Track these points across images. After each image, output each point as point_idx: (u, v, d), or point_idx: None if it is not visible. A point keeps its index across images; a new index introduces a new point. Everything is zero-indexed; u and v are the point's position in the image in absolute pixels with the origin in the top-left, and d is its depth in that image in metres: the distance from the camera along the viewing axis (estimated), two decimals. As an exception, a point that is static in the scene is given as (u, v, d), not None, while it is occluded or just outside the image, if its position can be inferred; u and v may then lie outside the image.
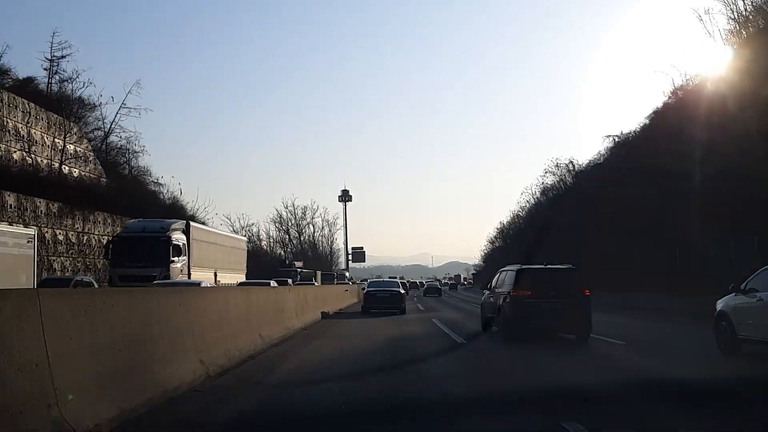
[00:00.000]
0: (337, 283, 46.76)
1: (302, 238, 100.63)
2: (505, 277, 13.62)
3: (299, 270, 52.76)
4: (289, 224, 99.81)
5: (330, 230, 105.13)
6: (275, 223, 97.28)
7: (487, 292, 15.00)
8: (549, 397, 6.38)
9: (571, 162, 52.75)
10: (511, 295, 12.51)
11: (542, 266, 13.39)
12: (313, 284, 41.61)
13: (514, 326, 12.50)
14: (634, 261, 26.17)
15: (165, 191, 42.58)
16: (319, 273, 58.48)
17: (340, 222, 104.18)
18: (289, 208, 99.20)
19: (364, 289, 26.28)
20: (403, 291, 24.65)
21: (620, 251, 27.36)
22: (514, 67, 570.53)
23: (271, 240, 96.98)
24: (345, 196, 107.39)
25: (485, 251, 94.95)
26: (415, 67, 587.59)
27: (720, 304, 10.57)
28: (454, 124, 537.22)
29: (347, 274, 78.77)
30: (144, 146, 44.03)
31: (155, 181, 42.16)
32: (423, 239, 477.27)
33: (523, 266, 13.29)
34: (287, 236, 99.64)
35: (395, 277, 73.04)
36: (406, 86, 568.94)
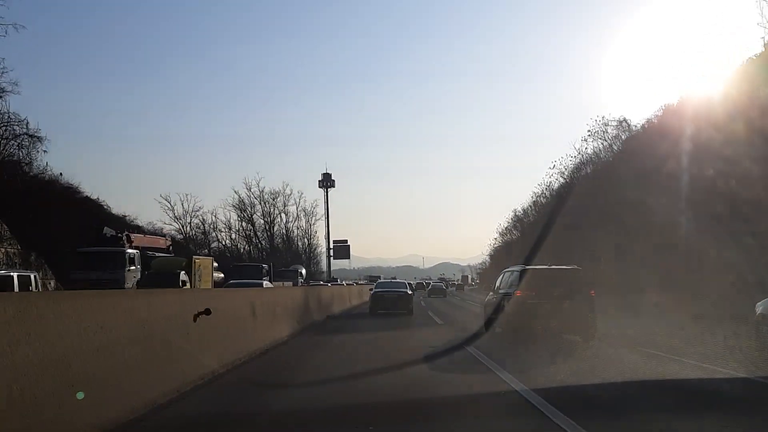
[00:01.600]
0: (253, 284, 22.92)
1: (273, 230, 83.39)
2: (508, 278, 13.88)
3: (147, 252, 28.74)
4: (253, 211, 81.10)
5: (308, 221, 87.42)
6: (237, 209, 79.43)
7: (491, 292, 15.36)
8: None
9: (625, 120, 40.20)
10: (514, 296, 12.70)
11: (546, 267, 13.67)
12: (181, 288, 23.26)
13: (517, 327, 12.67)
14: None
15: None
16: (207, 262, 32.09)
17: (320, 211, 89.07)
18: (253, 190, 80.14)
19: (371, 290, 26.03)
20: (410, 292, 24.90)
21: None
22: (516, 56, 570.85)
23: (232, 231, 79.17)
24: (326, 181, 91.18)
25: (495, 245, 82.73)
26: (407, 55, 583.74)
27: (760, 307, 10.36)
28: (446, 121, 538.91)
29: (303, 271, 56.15)
30: (16, 83, 29.12)
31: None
32: (413, 240, 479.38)
33: (527, 267, 13.56)
34: (250, 226, 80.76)
35: (378, 277, 73.53)
36: (394, 78, 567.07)
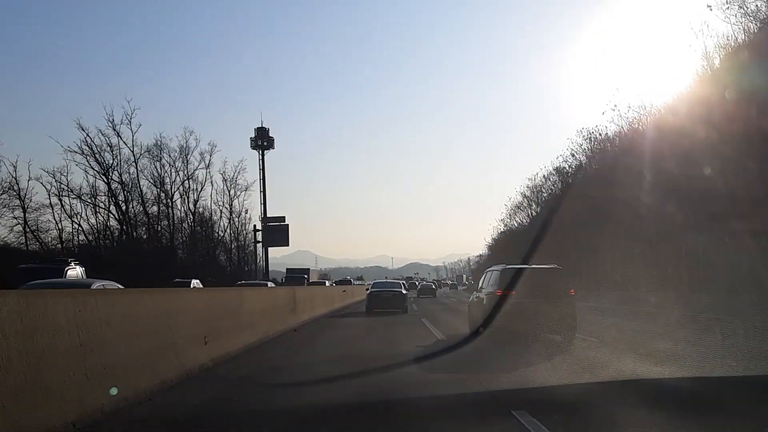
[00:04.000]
0: None
1: (173, 203, 55.18)
2: (490, 278, 14.25)
3: None
4: (118, 161, 49.77)
5: (230, 194, 61.64)
6: (88, 157, 48.10)
7: (475, 292, 15.68)
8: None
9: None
10: (495, 296, 12.95)
11: (527, 266, 14.14)
12: None
13: (499, 327, 12.73)
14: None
15: None
16: None
17: (252, 177, 70.27)
18: (121, 129, 49.60)
19: (368, 290, 28.43)
20: (405, 291, 26.90)
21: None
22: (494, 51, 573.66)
23: (98, 202, 48.85)
24: (261, 139, 66.49)
25: (500, 230, 69.87)
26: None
27: None
28: (413, 123, 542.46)
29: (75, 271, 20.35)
30: None
31: None
32: (382, 241, 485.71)
33: (507, 266, 13.88)
34: (108, 186, 49.15)
35: (304, 273, 65.18)
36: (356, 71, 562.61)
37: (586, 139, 42.31)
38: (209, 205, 60.45)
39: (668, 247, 24.04)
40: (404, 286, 28.54)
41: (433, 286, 60.58)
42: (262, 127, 67.16)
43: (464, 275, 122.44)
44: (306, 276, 54.52)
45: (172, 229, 55.16)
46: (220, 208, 61.44)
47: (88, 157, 47.85)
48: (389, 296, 25.23)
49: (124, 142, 50.09)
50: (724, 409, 6.47)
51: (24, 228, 42.63)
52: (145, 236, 52.63)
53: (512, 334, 12.44)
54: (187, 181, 56.37)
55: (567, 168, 45.44)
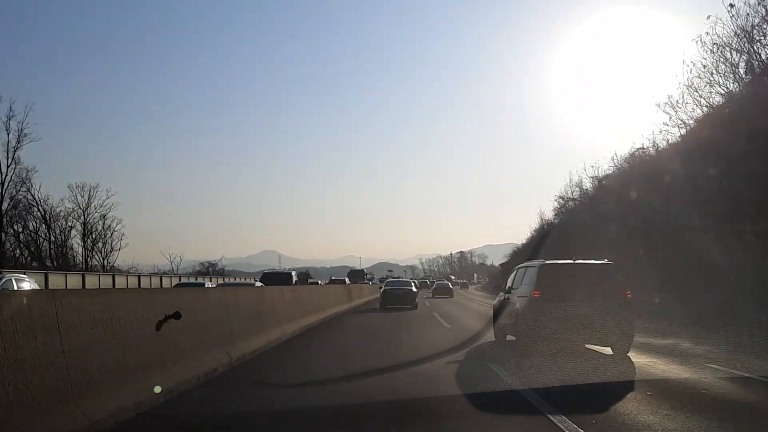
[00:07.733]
0: None
1: None
2: (523, 276, 12.28)
3: None
4: None
5: None
6: None
7: (502, 293, 13.85)
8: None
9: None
10: (531, 298, 11.17)
11: (570, 261, 12.08)
12: None
13: (533, 335, 11.00)
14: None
15: None
16: None
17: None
18: None
19: (381, 288, 31.92)
20: (415, 289, 29.78)
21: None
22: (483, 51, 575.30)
23: None
24: None
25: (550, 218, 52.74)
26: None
27: None
28: (381, 122, 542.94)
29: None
30: None
31: None
32: (348, 242, 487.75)
33: (546, 261, 11.92)
34: None
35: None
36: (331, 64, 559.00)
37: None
38: None
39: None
40: (415, 285, 31.33)
41: (449, 286, 52.98)
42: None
43: (475, 273, 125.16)
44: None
45: None
46: None
47: None
48: (401, 293, 28.27)
49: None
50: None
51: None
52: None
53: (550, 345, 10.57)
54: None
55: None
